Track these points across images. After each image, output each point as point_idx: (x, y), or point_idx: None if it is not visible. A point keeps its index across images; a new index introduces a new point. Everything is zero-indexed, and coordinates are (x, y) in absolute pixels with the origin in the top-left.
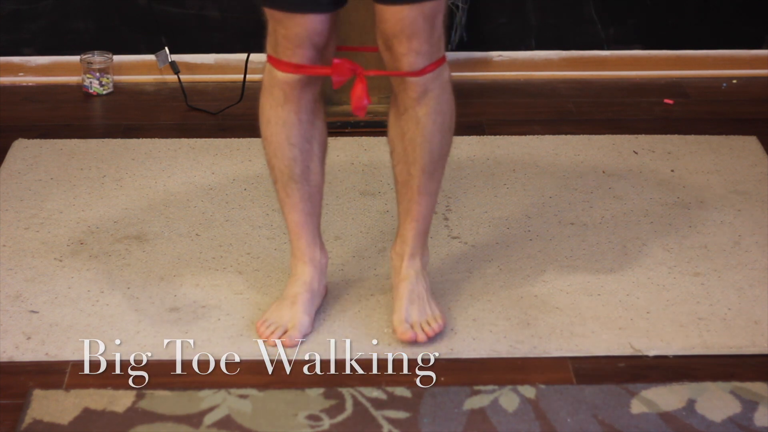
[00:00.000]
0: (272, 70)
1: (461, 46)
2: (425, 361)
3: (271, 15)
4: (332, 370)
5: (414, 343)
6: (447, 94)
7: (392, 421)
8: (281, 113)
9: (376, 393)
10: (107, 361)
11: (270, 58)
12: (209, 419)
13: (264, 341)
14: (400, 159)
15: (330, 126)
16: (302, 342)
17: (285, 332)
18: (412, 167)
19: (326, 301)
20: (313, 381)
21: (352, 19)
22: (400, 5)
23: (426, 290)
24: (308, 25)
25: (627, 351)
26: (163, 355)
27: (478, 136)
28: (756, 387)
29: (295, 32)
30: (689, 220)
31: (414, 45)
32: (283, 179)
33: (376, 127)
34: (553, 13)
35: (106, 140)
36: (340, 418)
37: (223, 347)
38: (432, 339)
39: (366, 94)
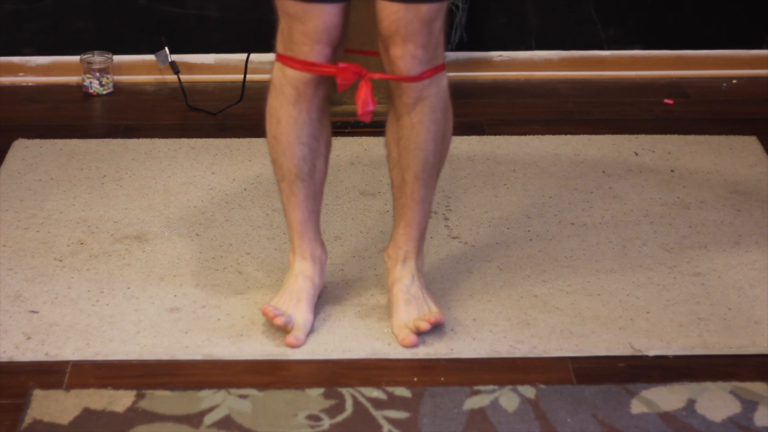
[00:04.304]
0: (283, 68)
1: (461, 46)
2: (425, 361)
3: (287, 10)
4: (332, 370)
5: (416, 345)
6: (443, 103)
7: (392, 421)
8: (293, 112)
9: (376, 393)
10: (107, 361)
11: (281, 57)
12: (209, 419)
13: (269, 320)
14: (395, 164)
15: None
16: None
17: (291, 321)
18: (406, 173)
19: (326, 301)
20: (313, 381)
21: (352, 20)
22: (396, 2)
23: (422, 289)
24: (326, 17)
25: (627, 351)
26: (163, 355)
27: (478, 136)
28: (756, 387)
29: (313, 26)
30: (689, 220)
31: (409, 48)
32: (290, 178)
33: (376, 127)
34: (553, 13)
35: (106, 140)
36: (340, 418)
37: (223, 347)
38: (433, 330)
39: (371, 98)
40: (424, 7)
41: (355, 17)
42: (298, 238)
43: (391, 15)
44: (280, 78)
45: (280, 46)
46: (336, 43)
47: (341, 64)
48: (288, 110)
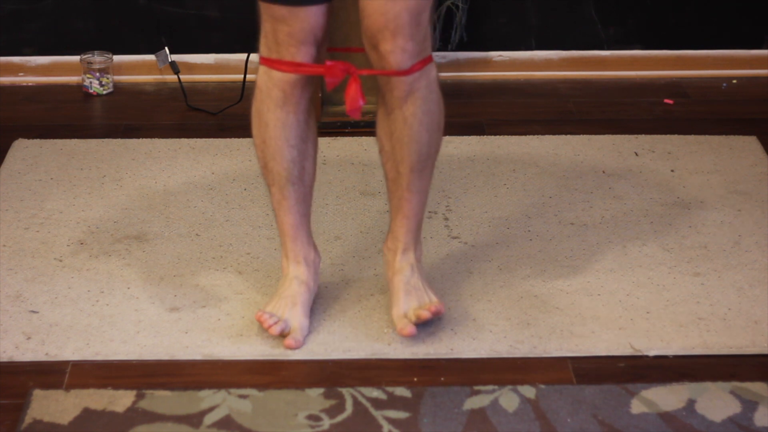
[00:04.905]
0: (269, 72)
1: (461, 46)
2: (425, 361)
3: (272, 14)
4: (332, 370)
5: (415, 334)
6: (434, 93)
7: (392, 421)
8: (280, 115)
9: (376, 393)
10: (107, 361)
11: (265, 60)
12: (209, 419)
13: (265, 329)
14: (388, 157)
15: (330, 126)
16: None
17: (287, 327)
18: (401, 165)
19: (326, 301)
20: (313, 381)
21: (351, 19)
22: None
23: (422, 280)
24: (311, 18)
25: (627, 351)
26: (163, 355)
27: (478, 136)
28: (756, 387)
29: (299, 27)
30: (689, 220)
31: (399, 42)
32: (280, 182)
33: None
34: (553, 13)
35: (106, 140)
36: (340, 418)
37: (223, 347)
38: (433, 319)
39: (361, 94)
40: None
41: (354, 16)
42: (291, 242)
43: (378, 9)
44: (266, 81)
45: (264, 49)
46: (320, 43)
47: (329, 63)
48: (275, 113)
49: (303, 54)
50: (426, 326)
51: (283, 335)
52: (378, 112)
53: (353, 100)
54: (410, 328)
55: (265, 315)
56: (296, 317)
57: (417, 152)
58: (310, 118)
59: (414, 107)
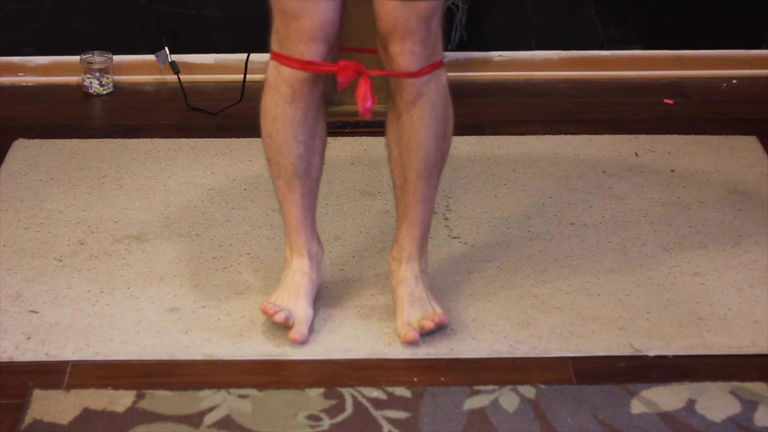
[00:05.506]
0: (279, 67)
1: (461, 46)
2: (425, 361)
3: (282, 8)
4: (332, 370)
5: (418, 341)
6: (443, 100)
7: (392, 421)
8: (288, 110)
9: (376, 393)
10: (107, 361)
11: (276, 56)
12: (209, 419)
13: (269, 317)
14: (396, 163)
15: (330, 126)
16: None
17: (291, 316)
18: (408, 172)
19: (326, 301)
20: (313, 381)
21: (352, 18)
22: (394, 0)
23: (426, 291)
24: (321, 14)
25: (627, 351)
26: (163, 355)
27: (478, 136)
28: (756, 387)
29: (309, 23)
30: (689, 220)
31: (408, 45)
32: (286, 175)
33: (376, 127)
34: (553, 13)
35: (106, 140)
36: (340, 418)
37: (223, 347)
38: (436, 330)
39: (371, 95)
40: (422, 4)
41: (354, 15)
42: (295, 235)
43: (389, 12)
44: (276, 76)
45: (275, 44)
46: (332, 41)
47: (342, 62)
48: (284, 108)
49: (313, 51)
50: None
51: (287, 325)
52: (388, 118)
53: (364, 100)
54: (413, 334)
55: (269, 304)
56: (300, 307)
57: (424, 158)
58: (320, 114)
59: (422, 111)
